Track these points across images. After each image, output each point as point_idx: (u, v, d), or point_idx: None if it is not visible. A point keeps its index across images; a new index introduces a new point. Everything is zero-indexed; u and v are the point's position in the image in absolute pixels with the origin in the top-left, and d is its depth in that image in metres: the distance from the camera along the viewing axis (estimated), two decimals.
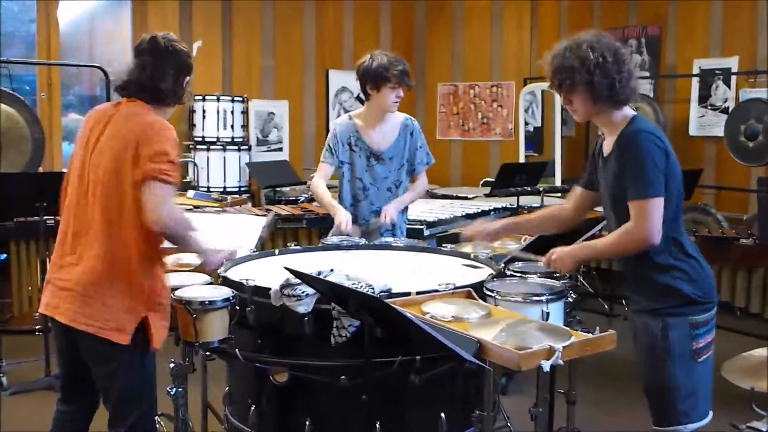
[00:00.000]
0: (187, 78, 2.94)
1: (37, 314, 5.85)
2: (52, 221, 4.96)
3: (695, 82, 7.72)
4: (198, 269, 3.36)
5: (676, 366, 2.72)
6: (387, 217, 4.04)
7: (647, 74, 8.24)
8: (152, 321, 2.76)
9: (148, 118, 2.79)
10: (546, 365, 2.20)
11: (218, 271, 3.15)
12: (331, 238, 4.00)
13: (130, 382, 2.81)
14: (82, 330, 2.73)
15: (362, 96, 4.22)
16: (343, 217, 3.99)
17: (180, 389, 3.13)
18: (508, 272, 3.24)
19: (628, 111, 2.81)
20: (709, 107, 7.64)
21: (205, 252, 3.01)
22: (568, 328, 2.45)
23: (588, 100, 2.78)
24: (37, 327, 5.92)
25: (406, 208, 4.35)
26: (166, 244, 2.85)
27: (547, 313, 2.80)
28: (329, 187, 4.24)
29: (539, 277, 3.14)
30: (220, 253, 3.09)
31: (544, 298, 2.82)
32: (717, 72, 7.53)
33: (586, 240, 3.15)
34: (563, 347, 2.22)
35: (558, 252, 2.96)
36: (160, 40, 2.87)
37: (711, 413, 2.81)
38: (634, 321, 2.89)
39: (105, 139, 2.79)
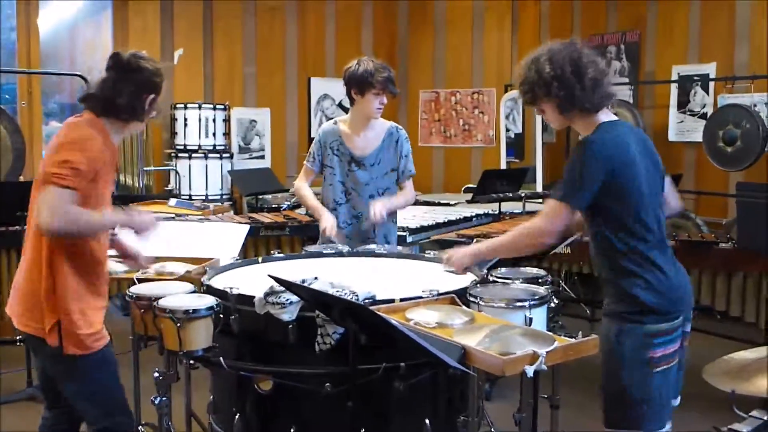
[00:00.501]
0: (151, 96, 2.92)
1: None
2: None
3: (674, 88, 7.80)
4: (182, 278, 3.35)
5: (629, 372, 2.72)
6: (376, 214, 4.03)
7: (626, 80, 8.30)
8: (64, 325, 2.76)
9: (78, 130, 2.80)
10: (530, 370, 2.21)
11: (202, 280, 3.15)
12: (315, 246, 4.00)
13: (79, 387, 2.86)
14: (25, 331, 2.82)
15: (346, 102, 4.25)
16: (328, 222, 4.02)
17: (164, 398, 3.13)
18: (491, 278, 3.25)
19: (602, 117, 2.80)
20: (688, 113, 7.71)
21: (126, 221, 2.96)
22: (551, 333, 2.47)
23: (555, 110, 2.82)
24: (18, 337, 5.89)
25: (395, 217, 4.36)
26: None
27: (530, 319, 2.81)
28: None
29: (522, 282, 3.16)
30: (144, 215, 3.04)
31: (527, 303, 2.83)
32: (695, 78, 7.60)
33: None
34: (547, 352, 2.24)
35: (454, 252, 3.04)
36: (124, 56, 2.89)
37: (669, 425, 2.82)
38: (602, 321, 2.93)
39: (48, 149, 2.86)
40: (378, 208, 4.05)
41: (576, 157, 2.72)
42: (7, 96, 7.75)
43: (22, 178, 6.35)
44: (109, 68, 2.89)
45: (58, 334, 2.75)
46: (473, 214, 5.96)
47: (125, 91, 2.84)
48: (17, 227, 4.82)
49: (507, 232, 2.96)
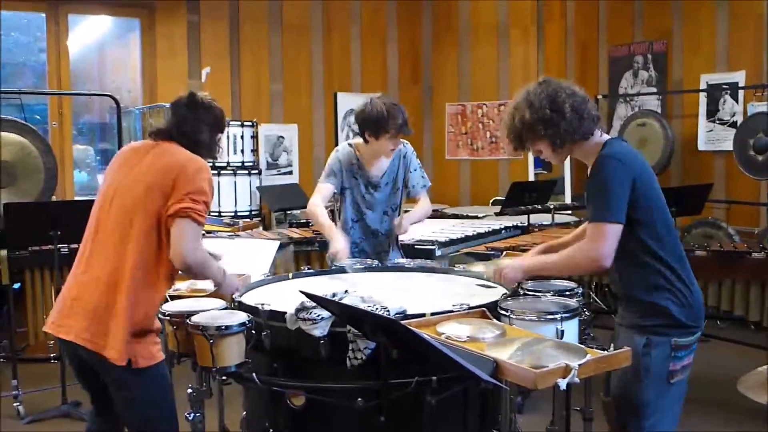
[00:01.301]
0: (219, 135, 3.07)
1: (51, 342, 5.90)
2: (66, 250, 5.00)
3: (703, 97, 7.74)
4: (213, 294, 3.37)
5: (650, 384, 2.74)
6: (400, 228, 4.11)
7: (654, 90, 8.26)
8: (140, 344, 2.78)
9: (189, 154, 2.90)
10: (563, 383, 2.20)
11: (233, 296, 3.17)
12: (343, 261, 3.99)
13: (137, 403, 2.85)
14: (85, 346, 2.78)
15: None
16: (339, 245, 3.92)
17: (197, 414, 3.14)
18: (522, 291, 3.24)
19: (600, 137, 2.85)
20: (717, 121, 7.65)
21: (223, 285, 3.06)
22: (583, 346, 2.46)
23: (549, 148, 2.86)
24: (52, 355, 5.97)
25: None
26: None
27: (562, 331, 2.79)
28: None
29: (552, 295, 3.15)
30: (235, 282, 3.14)
31: (558, 316, 2.82)
32: (724, 86, 7.55)
33: None
34: (579, 365, 2.23)
35: (508, 264, 3.03)
36: (199, 97, 3.02)
37: None
38: (617, 333, 2.92)
39: (143, 167, 2.88)
40: (402, 222, 4.12)
41: (599, 174, 2.73)
42: (37, 117, 7.86)
43: (54, 198, 6.42)
44: (180, 107, 3.01)
45: (126, 347, 2.75)
46: (502, 227, 5.93)
47: (205, 129, 2.99)
48: (50, 246, 4.88)
49: (560, 252, 2.93)
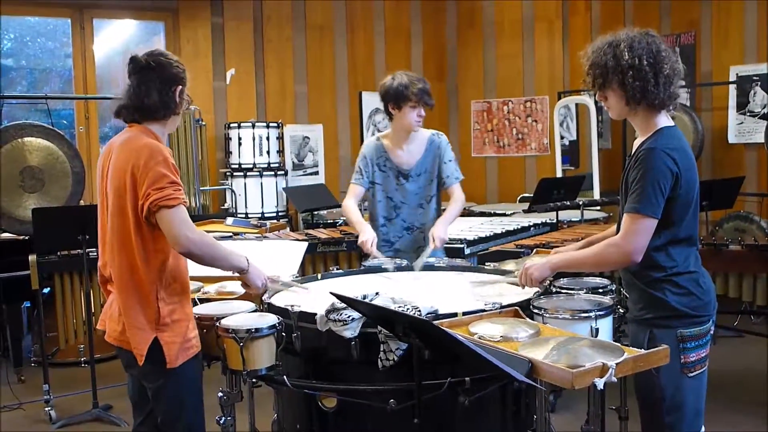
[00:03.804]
0: (179, 87, 2.92)
1: (82, 346, 5.93)
2: (95, 254, 4.99)
3: (732, 89, 7.63)
4: (242, 297, 3.36)
5: (663, 378, 2.68)
6: (437, 241, 4.00)
7: (683, 83, 8.14)
8: (163, 341, 2.78)
9: (138, 143, 2.80)
10: (600, 383, 2.16)
11: (263, 298, 3.15)
12: (372, 261, 3.97)
13: (164, 400, 2.85)
14: (119, 346, 2.84)
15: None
16: (367, 236, 3.96)
17: (229, 418, 3.12)
18: (554, 289, 3.20)
19: (662, 120, 2.75)
20: (748, 113, 7.54)
21: (247, 270, 2.98)
22: (618, 344, 2.41)
23: (621, 100, 2.74)
24: (83, 359, 6.01)
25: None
26: (205, 271, 2.88)
27: (596, 329, 2.75)
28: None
29: (586, 293, 3.10)
30: (262, 273, 3.07)
31: (592, 314, 2.77)
32: (754, 78, 7.44)
33: None
34: (616, 364, 2.18)
35: (533, 264, 2.97)
36: (141, 58, 2.90)
37: (703, 429, 2.78)
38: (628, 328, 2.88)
39: (109, 171, 2.87)
40: (438, 234, 4.02)
41: (647, 165, 2.64)
42: (64, 122, 7.91)
43: (82, 202, 6.45)
44: (130, 74, 2.91)
45: (152, 351, 2.77)
46: (531, 224, 5.87)
47: (152, 90, 2.86)
48: (79, 251, 4.89)
49: (591, 247, 2.86)
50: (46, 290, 5.44)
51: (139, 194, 2.72)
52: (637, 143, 2.81)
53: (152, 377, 2.83)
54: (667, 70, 2.67)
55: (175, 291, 2.85)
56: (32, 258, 5.10)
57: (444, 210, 4.27)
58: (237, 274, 3.01)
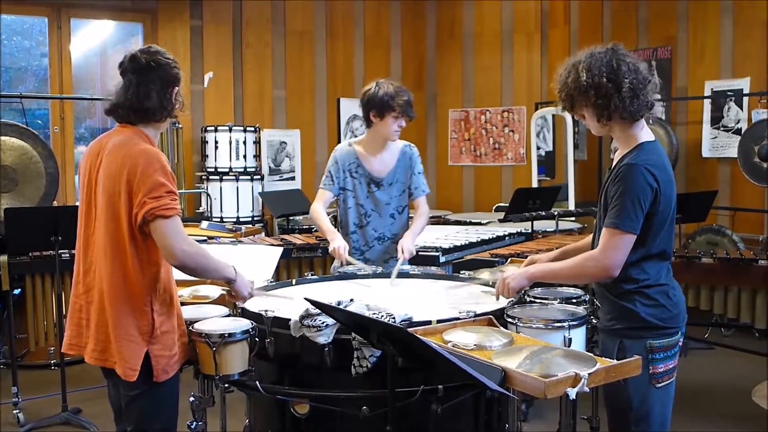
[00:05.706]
0: (176, 89, 2.87)
1: (52, 348, 5.87)
2: (67, 255, 4.97)
3: (707, 104, 7.71)
4: (216, 301, 3.34)
5: (630, 388, 2.70)
6: (406, 253, 4.00)
7: (659, 97, 8.20)
8: (153, 354, 2.74)
9: (135, 148, 2.72)
10: (572, 393, 2.17)
11: (237, 303, 3.13)
12: (347, 267, 3.97)
13: (140, 409, 2.80)
14: (102, 366, 2.76)
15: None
16: (338, 243, 3.96)
17: (200, 423, 3.10)
18: (528, 298, 3.21)
19: (643, 134, 2.77)
20: (722, 128, 7.61)
21: (235, 281, 2.96)
22: (591, 354, 2.42)
23: (593, 118, 2.78)
24: (52, 362, 5.94)
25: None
26: (180, 276, 2.85)
27: (570, 339, 2.76)
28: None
29: (559, 303, 3.12)
30: (248, 282, 3.04)
31: (566, 324, 2.79)
32: (729, 93, 7.51)
33: None
34: (589, 374, 2.19)
35: (510, 274, 2.97)
36: (141, 57, 2.81)
37: None
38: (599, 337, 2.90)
39: (100, 174, 2.77)
40: (407, 246, 4.02)
41: (627, 181, 2.66)
42: (39, 121, 7.84)
43: (55, 203, 6.39)
44: (125, 72, 2.82)
45: (143, 365, 2.72)
46: (506, 233, 5.90)
47: (152, 92, 2.79)
48: (51, 252, 4.85)
49: (569, 260, 2.87)
50: (16, 291, 5.37)
51: (134, 202, 2.65)
52: (617, 157, 2.83)
53: (132, 385, 2.76)
54: (628, 83, 2.68)
55: (164, 301, 2.81)
56: (3, 258, 5.05)
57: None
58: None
